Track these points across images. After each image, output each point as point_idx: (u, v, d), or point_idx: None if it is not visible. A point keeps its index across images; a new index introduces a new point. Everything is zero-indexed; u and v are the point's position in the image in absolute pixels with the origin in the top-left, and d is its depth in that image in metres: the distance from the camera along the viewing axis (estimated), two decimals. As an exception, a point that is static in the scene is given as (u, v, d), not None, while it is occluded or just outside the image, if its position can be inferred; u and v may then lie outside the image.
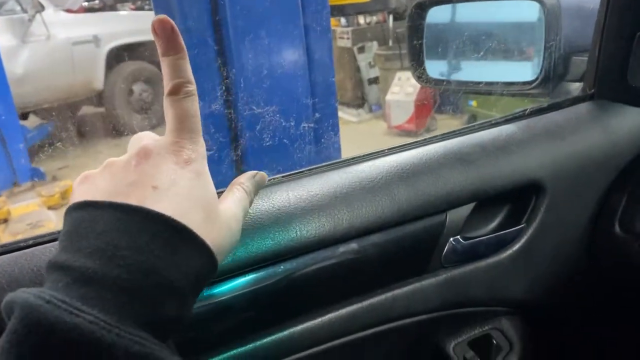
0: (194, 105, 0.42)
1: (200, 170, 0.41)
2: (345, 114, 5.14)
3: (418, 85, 4.38)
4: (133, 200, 0.37)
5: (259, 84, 1.29)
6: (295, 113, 1.44)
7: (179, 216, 0.37)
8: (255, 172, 0.51)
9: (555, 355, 0.83)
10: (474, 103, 3.93)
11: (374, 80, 5.21)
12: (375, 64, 5.19)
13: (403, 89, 4.53)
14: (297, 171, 0.64)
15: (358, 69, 5.26)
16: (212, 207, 0.41)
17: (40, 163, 4.00)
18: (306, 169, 0.65)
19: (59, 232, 0.51)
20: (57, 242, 0.48)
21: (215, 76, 1.32)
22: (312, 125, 1.51)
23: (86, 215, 0.36)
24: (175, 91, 0.41)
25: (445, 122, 4.44)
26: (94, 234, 0.35)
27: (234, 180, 0.50)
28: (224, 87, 1.22)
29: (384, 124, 4.80)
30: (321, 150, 1.50)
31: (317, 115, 1.52)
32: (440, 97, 4.32)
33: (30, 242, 0.52)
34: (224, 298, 0.53)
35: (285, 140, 1.29)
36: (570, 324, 0.82)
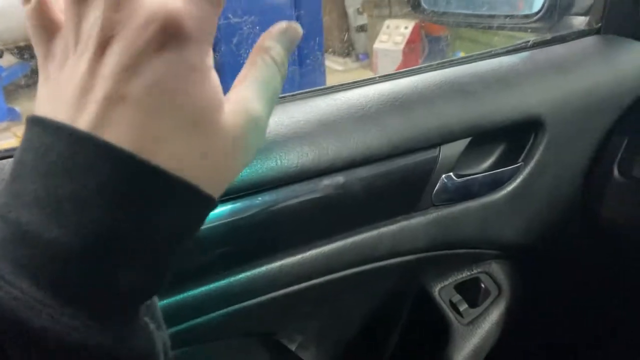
0: None
1: (194, 59, 0.27)
2: (331, 62, 5.02)
3: (407, 34, 4.28)
4: (87, 119, 0.26)
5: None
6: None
7: (150, 144, 0.26)
8: (287, 23, 0.33)
9: (544, 302, 0.80)
10: (461, 54, 3.85)
11: (361, 28, 5.08)
12: (364, 11, 5.04)
13: (391, 37, 4.42)
14: (280, 95, 0.58)
15: (346, 16, 5.11)
16: (210, 119, 0.28)
17: (17, 103, 3.86)
18: (289, 94, 0.60)
19: None
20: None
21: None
22: (296, 67, 1.43)
23: (35, 140, 0.26)
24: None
25: (433, 73, 4.36)
26: (37, 174, 0.26)
27: (257, 44, 0.32)
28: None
29: (370, 73, 4.71)
30: (306, 73, 1.42)
31: (303, 54, 1.44)
32: (428, 47, 4.23)
33: None
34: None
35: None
36: (561, 271, 0.79)
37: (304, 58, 1.53)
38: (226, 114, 0.28)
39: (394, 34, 4.38)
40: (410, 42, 4.24)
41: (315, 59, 1.59)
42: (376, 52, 4.49)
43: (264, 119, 0.30)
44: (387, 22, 4.57)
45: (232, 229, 0.51)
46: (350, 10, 5.03)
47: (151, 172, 0.26)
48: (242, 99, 0.30)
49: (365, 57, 5.10)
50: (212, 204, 0.29)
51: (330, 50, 5.09)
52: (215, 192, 0.29)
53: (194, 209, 0.28)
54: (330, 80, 4.49)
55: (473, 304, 0.69)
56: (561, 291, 0.80)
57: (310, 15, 1.58)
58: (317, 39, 1.57)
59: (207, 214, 0.29)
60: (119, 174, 0.25)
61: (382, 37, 4.49)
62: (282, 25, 0.32)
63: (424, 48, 4.33)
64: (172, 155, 0.26)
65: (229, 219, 0.51)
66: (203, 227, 0.49)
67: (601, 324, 0.84)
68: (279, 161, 0.51)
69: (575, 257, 0.78)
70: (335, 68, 5.10)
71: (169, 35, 0.26)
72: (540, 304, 0.78)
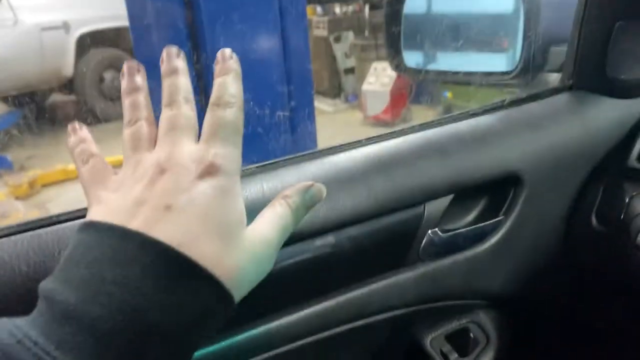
0: (234, 115, 0.38)
1: (226, 186, 0.35)
2: (321, 104, 5.11)
3: (394, 76, 4.38)
4: (138, 222, 0.32)
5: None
6: (270, 101, 1.41)
7: (188, 242, 0.32)
8: (309, 183, 0.41)
9: (532, 349, 0.82)
10: (449, 94, 3.94)
11: (350, 70, 5.19)
12: (352, 54, 5.16)
13: (379, 79, 4.52)
14: (271, 161, 0.62)
15: (334, 59, 5.23)
16: (234, 231, 0.35)
17: (8, 152, 3.88)
18: (281, 159, 0.63)
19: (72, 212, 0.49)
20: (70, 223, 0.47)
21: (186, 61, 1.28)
22: (287, 113, 1.48)
23: (85, 238, 0.33)
24: (216, 100, 0.38)
25: (421, 113, 4.44)
26: (85, 262, 0.31)
27: (280, 192, 0.41)
28: (194, 73, 1.18)
29: (360, 114, 4.79)
30: (297, 140, 1.47)
31: (292, 103, 1.49)
32: (415, 88, 4.32)
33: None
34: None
35: (259, 129, 1.26)
36: (548, 318, 0.82)
37: (295, 106, 1.58)
38: (247, 233, 0.36)
39: (381, 76, 4.49)
40: (397, 83, 4.34)
41: (305, 106, 1.65)
42: (365, 93, 4.59)
43: (274, 245, 0.38)
44: (375, 64, 4.69)
45: None
46: (339, 54, 5.17)
47: (186, 262, 0.32)
48: (260, 225, 0.38)
49: (354, 98, 5.20)
50: (230, 300, 0.34)
51: (320, 92, 5.19)
52: (235, 288, 0.35)
53: (213, 296, 0.33)
54: (321, 121, 4.56)
55: (463, 354, 0.71)
56: (548, 339, 0.82)
57: (299, 64, 1.64)
58: (307, 88, 1.63)
59: (228, 300, 0.34)
60: (160, 261, 0.31)
61: (370, 78, 4.60)
62: (305, 184, 0.41)
63: (411, 89, 4.43)
64: (203, 253, 0.33)
65: None
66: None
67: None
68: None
69: (562, 304, 0.81)
70: (326, 109, 5.19)
71: (208, 172, 0.35)
72: (528, 352, 0.80)
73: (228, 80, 0.39)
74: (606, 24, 0.75)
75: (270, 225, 0.38)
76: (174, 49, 0.40)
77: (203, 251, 0.33)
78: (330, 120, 4.85)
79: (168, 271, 0.31)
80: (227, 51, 0.41)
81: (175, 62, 0.40)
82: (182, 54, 0.40)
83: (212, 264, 0.33)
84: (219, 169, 0.35)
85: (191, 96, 0.39)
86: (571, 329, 0.82)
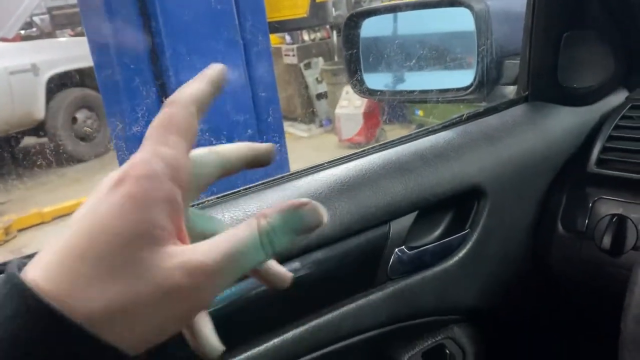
0: (173, 110, 0.30)
1: (135, 192, 0.26)
2: (296, 130, 5.13)
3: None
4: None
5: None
6: (237, 131, 1.41)
7: (64, 271, 0.25)
8: (300, 202, 0.29)
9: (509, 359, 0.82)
10: (420, 112, 3.99)
11: (322, 95, 5.24)
12: (323, 80, 5.21)
13: (351, 102, 4.57)
14: (233, 191, 0.61)
15: (306, 85, 5.27)
16: (140, 248, 0.26)
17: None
18: (242, 188, 0.63)
19: None
20: None
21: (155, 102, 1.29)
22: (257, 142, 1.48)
23: None
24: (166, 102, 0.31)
25: (394, 133, 4.49)
26: None
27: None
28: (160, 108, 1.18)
29: (334, 137, 4.82)
30: (267, 170, 1.47)
31: (261, 132, 1.50)
32: (387, 109, 4.37)
33: None
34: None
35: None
36: (521, 328, 0.82)
37: (264, 135, 1.59)
38: (163, 257, 0.26)
39: (353, 99, 4.53)
40: (369, 105, 4.38)
41: (275, 133, 1.65)
42: (338, 117, 4.63)
43: (214, 277, 0.27)
44: (346, 88, 4.73)
45: None
46: (310, 80, 5.21)
47: (51, 316, 0.24)
48: (201, 247, 0.27)
49: (328, 122, 5.24)
50: (111, 353, 0.25)
51: (294, 118, 5.22)
52: (131, 348, 0.25)
53: (87, 352, 0.24)
54: (296, 146, 4.58)
55: (441, 371, 0.71)
56: (524, 348, 0.82)
57: (266, 91, 1.65)
58: (276, 115, 1.64)
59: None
60: (19, 304, 0.24)
61: (343, 102, 4.64)
62: (296, 201, 0.29)
63: (384, 110, 4.48)
64: (83, 278, 0.25)
65: None
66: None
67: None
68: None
69: (534, 314, 0.81)
70: (301, 135, 5.22)
71: (119, 180, 0.27)
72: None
73: (190, 81, 0.32)
74: (554, 35, 0.77)
75: (216, 248, 0.27)
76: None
77: (83, 278, 0.25)
78: (306, 146, 4.87)
79: (32, 315, 0.24)
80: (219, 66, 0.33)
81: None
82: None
83: (98, 296, 0.24)
84: (128, 174, 0.27)
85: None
86: (544, 337, 0.82)
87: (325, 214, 0.30)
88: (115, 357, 0.25)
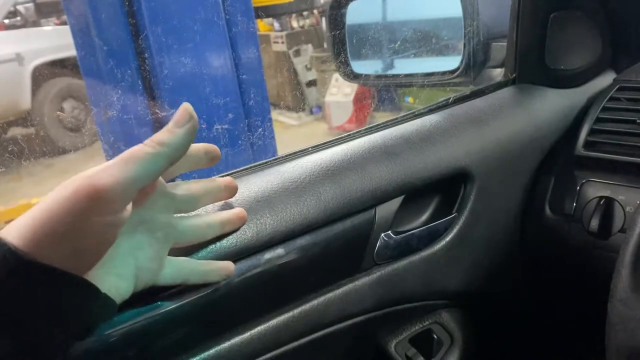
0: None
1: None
2: (286, 118, 5.11)
3: (355, 85, 4.40)
4: None
5: (182, 91, 1.24)
6: (224, 119, 1.39)
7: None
8: (186, 117, 0.41)
9: (497, 345, 0.82)
10: (410, 99, 3.98)
11: (312, 83, 5.20)
12: (312, 67, 5.18)
13: (341, 89, 4.54)
14: (216, 177, 0.60)
15: (295, 73, 5.24)
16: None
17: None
18: (225, 173, 0.62)
19: None
20: None
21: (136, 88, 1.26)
22: (245, 130, 1.47)
23: None
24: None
25: (385, 119, 4.47)
26: None
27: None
28: (147, 94, 1.16)
29: (325, 125, 4.80)
30: (257, 155, 1.46)
31: (248, 120, 1.48)
32: (378, 95, 4.35)
33: None
34: (136, 321, 0.49)
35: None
36: (509, 312, 0.81)
37: (252, 122, 1.57)
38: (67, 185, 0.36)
39: (343, 86, 4.51)
40: (359, 92, 4.36)
41: (262, 121, 1.63)
42: (328, 104, 4.60)
43: (115, 189, 0.36)
44: (336, 75, 4.71)
45: (174, 314, 0.51)
46: (299, 67, 5.17)
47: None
48: (98, 170, 0.38)
49: (318, 110, 5.21)
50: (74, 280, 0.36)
51: (284, 106, 5.19)
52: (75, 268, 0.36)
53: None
54: (288, 134, 4.56)
55: (428, 356, 0.70)
56: (512, 333, 0.82)
57: (253, 75, 1.63)
58: (264, 103, 1.62)
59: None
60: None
61: (332, 90, 4.62)
62: (179, 118, 0.40)
63: (374, 96, 4.46)
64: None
65: (170, 306, 0.51)
66: (144, 317, 0.49)
67: None
68: (217, 243, 0.52)
69: (522, 296, 0.81)
70: (291, 123, 5.18)
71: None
72: (494, 348, 0.80)
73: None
74: (541, 17, 0.76)
75: (119, 164, 0.38)
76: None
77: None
78: (296, 133, 4.85)
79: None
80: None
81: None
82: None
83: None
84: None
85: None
86: (533, 322, 0.82)
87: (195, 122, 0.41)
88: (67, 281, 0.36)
